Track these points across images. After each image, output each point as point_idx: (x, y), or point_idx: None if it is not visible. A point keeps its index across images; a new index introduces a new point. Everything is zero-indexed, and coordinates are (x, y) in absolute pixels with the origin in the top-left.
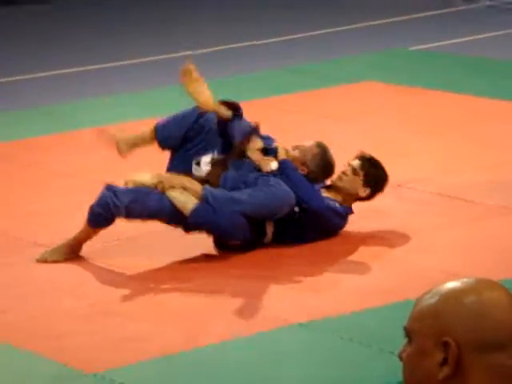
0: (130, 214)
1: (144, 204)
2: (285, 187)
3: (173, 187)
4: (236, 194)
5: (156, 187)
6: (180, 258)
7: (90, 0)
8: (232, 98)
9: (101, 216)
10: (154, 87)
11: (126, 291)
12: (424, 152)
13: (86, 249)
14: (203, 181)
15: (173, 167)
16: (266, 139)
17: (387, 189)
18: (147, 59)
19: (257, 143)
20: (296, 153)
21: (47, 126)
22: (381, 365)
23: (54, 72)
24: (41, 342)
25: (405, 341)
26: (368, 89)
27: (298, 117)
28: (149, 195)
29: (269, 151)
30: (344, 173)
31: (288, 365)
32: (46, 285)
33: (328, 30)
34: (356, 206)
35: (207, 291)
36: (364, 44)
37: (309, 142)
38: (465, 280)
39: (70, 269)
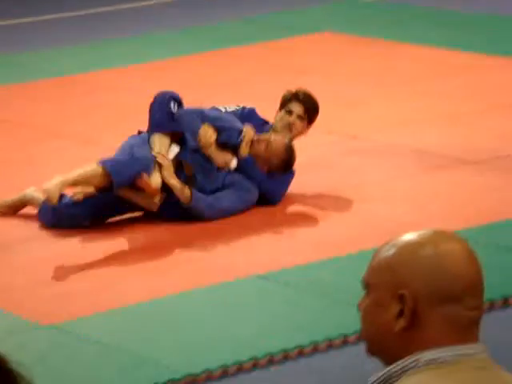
0: None
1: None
2: (251, 188)
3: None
4: (214, 200)
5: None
6: (137, 214)
7: None
8: (193, 48)
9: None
10: (115, 37)
11: (81, 244)
12: (380, 104)
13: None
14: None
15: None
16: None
17: (341, 140)
18: (99, 10)
19: (210, 136)
20: (261, 148)
21: (5, 75)
22: (336, 315)
23: (12, 21)
24: None
25: (363, 292)
26: (325, 40)
27: (255, 68)
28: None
29: (229, 145)
30: (293, 124)
31: (245, 315)
32: None
33: None
34: (309, 158)
35: (165, 244)
36: None
37: (277, 139)
38: (422, 232)
39: (21, 223)
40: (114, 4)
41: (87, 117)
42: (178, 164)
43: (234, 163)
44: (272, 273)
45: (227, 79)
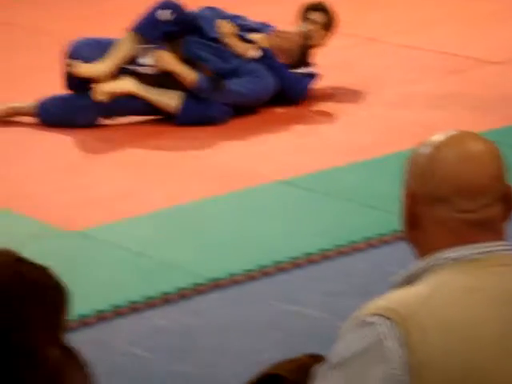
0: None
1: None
2: (268, 77)
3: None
4: (226, 84)
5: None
6: (153, 119)
7: None
8: None
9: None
10: None
11: (98, 153)
12: (400, 5)
13: None
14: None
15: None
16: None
17: (361, 42)
18: None
19: (230, 28)
20: (278, 41)
21: None
22: (360, 219)
23: None
24: (16, 201)
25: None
26: None
27: None
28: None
29: (246, 39)
30: (311, 31)
31: (268, 220)
32: (11, 149)
33: None
34: (329, 61)
35: (185, 150)
36: None
37: (291, 29)
38: (442, 134)
39: (35, 133)
40: None
41: (101, 23)
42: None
43: (255, 52)
44: (295, 178)
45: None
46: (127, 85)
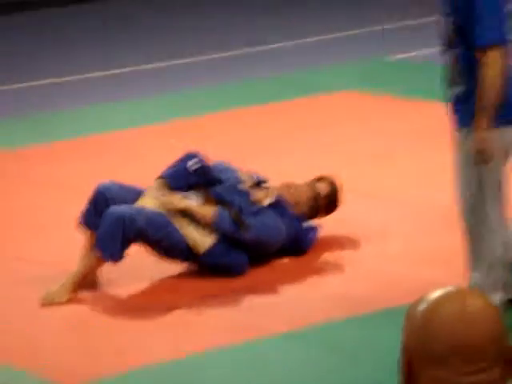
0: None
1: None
2: (282, 223)
3: (179, 211)
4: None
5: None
6: (161, 275)
7: (57, 13)
8: (211, 108)
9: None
10: (135, 97)
11: (104, 304)
12: (404, 160)
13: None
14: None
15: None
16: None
17: (364, 196)
18: (125, 70)
19: (248, 177)
20: (289, 193)
21: (32, 135)
22: (359, 373)
23: (38, 82)
24: (20, 356)
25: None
26: (346, 98)
27: (278, 126)
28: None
29: (260, 185)
30: (308, 198)
31: (269, 375)
32: (23, 301)
33: (305, 40)
34: (332, 215)
35: (187, 299)
36: (340, 54)
37: (301, 184)
38: (441, 291)
39: (45, 283)
40: (137, 64)
41: (116, 175)
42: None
43: (270, 199)
44: (296, 330)
45: (254, 137)
46: (162, 207)
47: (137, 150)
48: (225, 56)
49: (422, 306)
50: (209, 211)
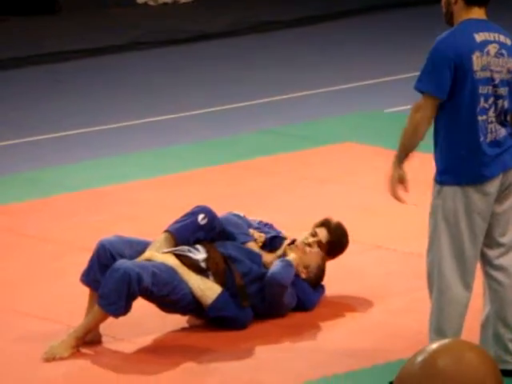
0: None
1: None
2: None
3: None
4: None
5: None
6: (164, 328)
7: (64, 69)
8: (213, 160)
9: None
10: (136, 150)
11: (107, 359)
12: (402, 213)
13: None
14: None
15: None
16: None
17: (367, 250)
18: (128, 123)
19: (259, 237)
20: (301, 259)
21: (29, 191)
22: None
23: (36, 138)
24: None
25: None
26: (347, 150)
27: (279, 179)
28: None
29: (273, 244)
30: (309, 244)
31: None
32: (21, 357)
33: (306, 93)
34: (335, 267)
35: (193, 357)
36: (341, 106)
37: (314, 251)
38: (437, 343)
39: (44, 338)
40: (130, 119)
41: (109, 230)
42: (227, 272)
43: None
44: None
45: (248, 190)
46: (169, 259)
47: (128, 205)
48: (216, 110)
49: (418, 362)
50: (210, 294)
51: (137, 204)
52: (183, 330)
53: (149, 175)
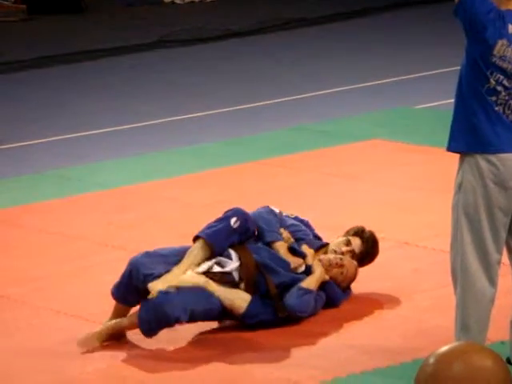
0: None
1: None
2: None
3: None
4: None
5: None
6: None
7: (92, 68)
8: (242, 158)
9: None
10: (160, 150)
11: (138, 358)
12: (430, 209)
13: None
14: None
15: None
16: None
17: (395, 246)
18: (153, 122)
19: (287, 238)
20: (338, 273)
21: (59, 189)
22: None
23: (64, 136)
24: None
25: None
26: (375, 147)
27: (307, 176)
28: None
29: (297, 252)
30: (342, 253)
31: None
32: (47, 354)
33: (335, 90)
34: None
35: (215, 356)
36: (369, 103)
37: (351, 265)
38: (448, 347)
39: (71, 333)
40: (160, 117)
41: (138, 228)
42: (259, 280)
43: (303, 267)
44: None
45: (277, 188)
46: (195, 278)
47: (157, 202)
48: (244, 108)
49: (430, 364)
50: (241, 303)
51: (167, 202)
52: (212, 329)
53: (178, 173)
